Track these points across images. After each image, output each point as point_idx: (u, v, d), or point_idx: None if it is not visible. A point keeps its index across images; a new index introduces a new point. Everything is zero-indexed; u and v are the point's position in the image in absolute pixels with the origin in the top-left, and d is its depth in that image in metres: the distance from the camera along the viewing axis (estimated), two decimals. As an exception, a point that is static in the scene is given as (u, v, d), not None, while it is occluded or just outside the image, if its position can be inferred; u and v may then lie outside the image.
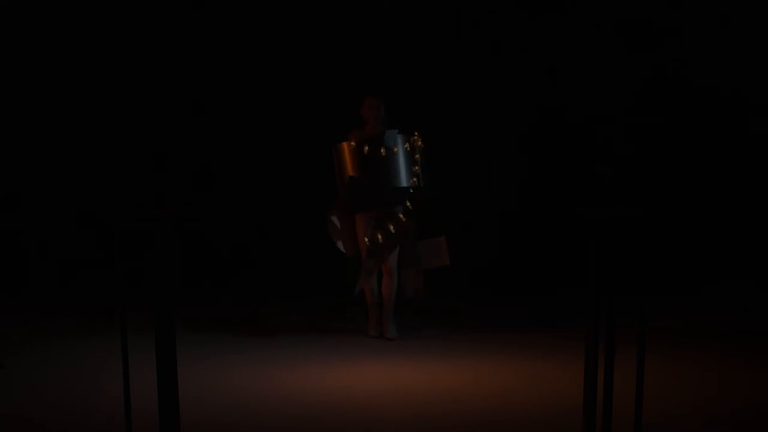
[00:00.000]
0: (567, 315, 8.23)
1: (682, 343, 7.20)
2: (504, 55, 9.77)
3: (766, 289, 9.12)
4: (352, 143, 7.21)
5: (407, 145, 7.23)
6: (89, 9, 9.71)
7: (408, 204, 7.35)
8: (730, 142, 9.70)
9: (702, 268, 9.52)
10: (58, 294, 9.44)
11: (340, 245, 7.45)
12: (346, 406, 5.59)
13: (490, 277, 9.60)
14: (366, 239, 7.32)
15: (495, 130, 9.84)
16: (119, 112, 9.86)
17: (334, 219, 7.39)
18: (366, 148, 7.16)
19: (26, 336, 7.57)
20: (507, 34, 9.73)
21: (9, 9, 9.68)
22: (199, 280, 9.70)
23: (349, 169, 7.21)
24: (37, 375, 6.33)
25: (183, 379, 4.47)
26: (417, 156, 7.30)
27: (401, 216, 7.33)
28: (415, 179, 7.26)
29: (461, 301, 8.96)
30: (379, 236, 7.28)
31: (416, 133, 7.34)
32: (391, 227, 7.29)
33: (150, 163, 9.92)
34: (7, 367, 6.49)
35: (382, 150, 7.16)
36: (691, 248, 9.58)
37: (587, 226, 4.30)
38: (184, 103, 9.86)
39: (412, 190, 7.29)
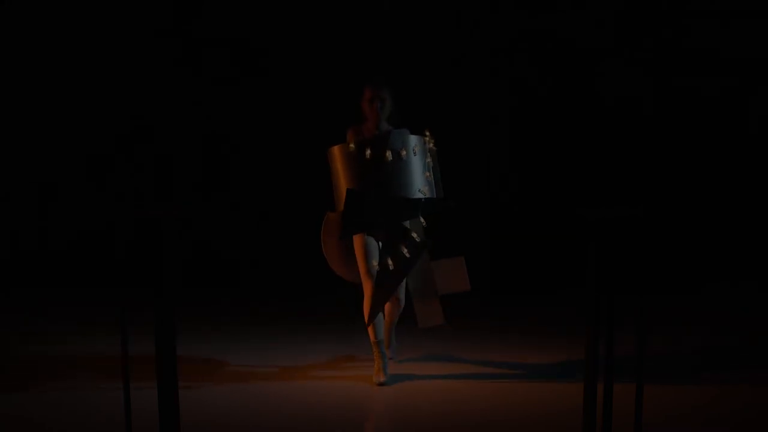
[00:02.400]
0: (567, 315, 8.23)
1: (683, 342, 7.20)
2: (505, 55, 9.77)
3: (766, 289, 9.12)
4: (351, 145, 5.83)
5: (417, 147, 5.89)
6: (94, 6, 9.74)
7: (422, 219, 6.04)
8: (729, 141, 9.71)
9: (702, 268, 9.52)
10: (57, 294, 9.44)
11: (341, 273, 6.31)
12: (346, 406, 5.59)
13: (490, 277, 9.60)
14: (375, 264, 5.95)
15: (493, 130, 9.85)
16: (118, 111, 9.86)
17: (328, 247, 6.18)
18: (368, 151, 5.78)
19: (26, 336, 7.57)
20: (507, 33, 9.73)
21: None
22: (199, 280, 9.69)
23: (345, 177, 5.85)
24: (37, 374, 6.33)
25: (183, 379, 4.47)
26: (429, 160, 5.98)
27: (414, 235, 5.96)
28: (426, 188, 5.91)
29: (461, 301, 8.95)
30: (390, 262, 5.91)
31: (427, 133, 6.03)
32: (405, 249, 5.93)
33: (150, 163, 9.92)
34: (7, 366, 6.50)
35: (388, 153, 5.78)
36: (690, 248, 9.58)
37: (587, 226, 4.30)
38: (183, 102, 9.86)
39: (423, 201, 5.96)
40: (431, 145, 6.03)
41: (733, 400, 5.66)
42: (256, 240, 10.03)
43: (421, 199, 5.89)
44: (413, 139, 5.89)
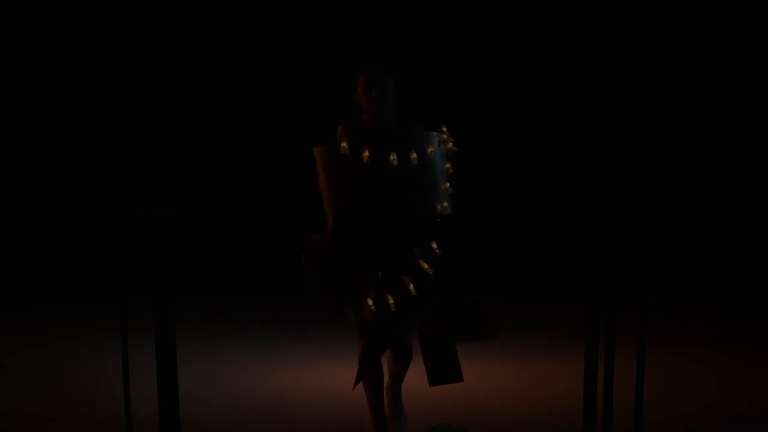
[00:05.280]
0: (567, 315, 8.23)
1: (683, 342, 7.20)
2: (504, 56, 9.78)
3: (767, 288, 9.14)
4: (343, 144, 4.42)
5: (431, 148, 4.48)
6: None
7: (434, 246, 4.51)
8: (729, 141, 9.72)
9: (702, 268, 9.52)
10: (57, 293, 9.44)
11: (328, 303, 4.67)
12: (346, 406, 5.59)
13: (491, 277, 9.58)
14: (370, 303, 4.43)
15: (493, 130, 9.85)
16: (118, 111, 9.87)
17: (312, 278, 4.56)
18: (366, 153, 4.39)
19: (26, 335, 7.57)
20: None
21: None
22: (199, 279, 9.69)
23: (334, 188, 4.43)
24: (37, 374, 6.33)
25: (183, 379, 4.47)
26: (447, 166, 4.59)
27: (424, 265, 4.46)
28: (445, 203, 4.53)
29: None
30: (391, 300, 4.41)
31: (445, 129, 4.62)
32: (410, 284, 4.43)
33: (150, 162, 9.92)
34: (7, 366, 6.49)
35: (392, 156, 4.40)
36: (690, 247, 9.58)
37: (587, 226, 4.30)
38: (182, 100, 9.87)
39: (440, 220, 4.52)
40: (450, 144, 4.63)
41: (734, 401, 5.66)
42: (256, 239, 10.04)
43: (437, 216, 4.53)
44: (427, 138, 4.51)
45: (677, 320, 7.98)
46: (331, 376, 6.28)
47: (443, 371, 4.61)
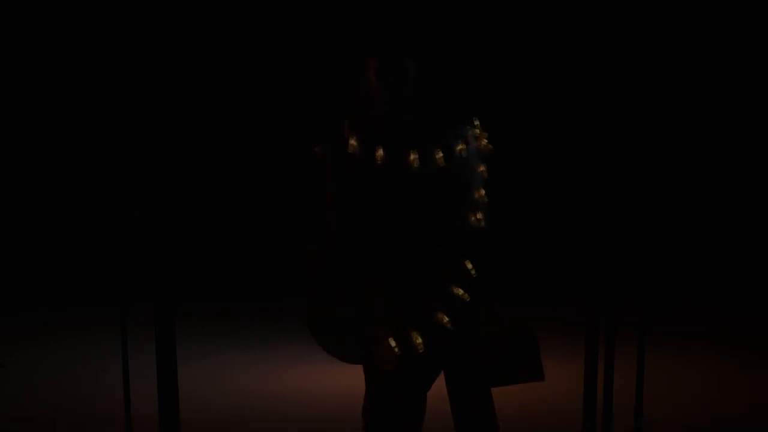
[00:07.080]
0: (567, 315, 8.22)
1: (683, 342, 7.20)
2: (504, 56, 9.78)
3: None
4: (352, 143, 3.67)
5: (462, 146, 3.76)
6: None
7: (470, 267, 3.79)
8: (730, 140, 9.72)
9: (702, 268, 9.52)
10: (58, 294, 9.43)
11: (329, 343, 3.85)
12: (347, 406, 5.59)
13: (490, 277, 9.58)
14: (392, 342, 3.66)
15: (494, 130, 9.83)
16: (118, 110, 9.87)
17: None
18: (379, 152, 3.65)
19: (26, 335, 7.57)
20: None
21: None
22: (199, 279, 9.69)
23: (338, 196, 3.71)
24: (37, 374, 6.33)
25: (183, 379, 4.47)
26: (482, 168, 3.84)
27: (459, 291, 3.75)
28: (479, 215, 3.79)
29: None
30: (417, 338, 3.68)
31: (477, 123, 3.84)
32: (444, 318, 3.70)
33: (150, 163, 9.92)
34: (7, 366, 6.49)
35: (413, 157, 3.64)
36: (690, 247, 9.58)
37: (587, 226, 4.30)
38: (182, 99, 9.87)
39: (475, 237, 3.81)
40: (485, 141, 3.86)
41: (734, 401, 5.66)
42: (256, 239, 10.03)
43: (469, 231, 3.78)
44: (456, 133, 3.78)
45: (677, 320, 7.97)
46: (331, 376, 6.28)
47: (475, 420, 3.94)
